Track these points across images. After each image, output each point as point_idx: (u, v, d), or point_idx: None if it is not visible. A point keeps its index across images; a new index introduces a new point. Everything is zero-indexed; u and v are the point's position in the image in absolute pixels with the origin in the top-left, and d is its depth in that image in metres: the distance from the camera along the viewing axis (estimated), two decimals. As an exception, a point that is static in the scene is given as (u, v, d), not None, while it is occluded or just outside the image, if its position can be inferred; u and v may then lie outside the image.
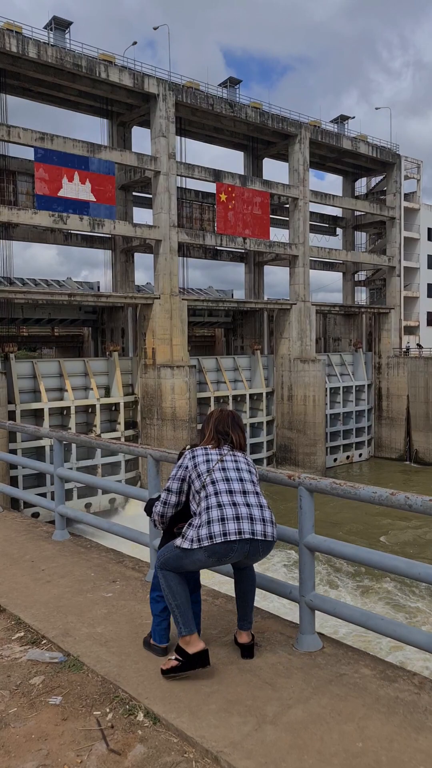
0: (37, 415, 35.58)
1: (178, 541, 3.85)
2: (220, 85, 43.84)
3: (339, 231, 57.92)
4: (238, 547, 3.79)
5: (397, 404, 52.14)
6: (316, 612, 4.26)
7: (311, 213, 48.62)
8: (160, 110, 38.48)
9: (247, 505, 3.84)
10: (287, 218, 47.96)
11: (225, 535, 3.73)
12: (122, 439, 38.50)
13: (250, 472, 4.03)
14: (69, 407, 36.31)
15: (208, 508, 3.81)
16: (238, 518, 3.77)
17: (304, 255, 46.26)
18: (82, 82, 37.28)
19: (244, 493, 3.88)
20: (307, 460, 45.25)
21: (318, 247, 48.93)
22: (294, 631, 4.40)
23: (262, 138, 47.21)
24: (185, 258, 43.61)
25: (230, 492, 3.85)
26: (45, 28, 36.41)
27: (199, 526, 3.78)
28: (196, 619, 4.00)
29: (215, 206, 42.74)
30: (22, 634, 4.48)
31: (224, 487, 3.86)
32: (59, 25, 36.63)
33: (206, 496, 3.85)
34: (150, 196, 40.69)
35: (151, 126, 39.31)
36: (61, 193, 35.48)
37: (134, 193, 44.24)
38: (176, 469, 4.08)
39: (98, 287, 45.06)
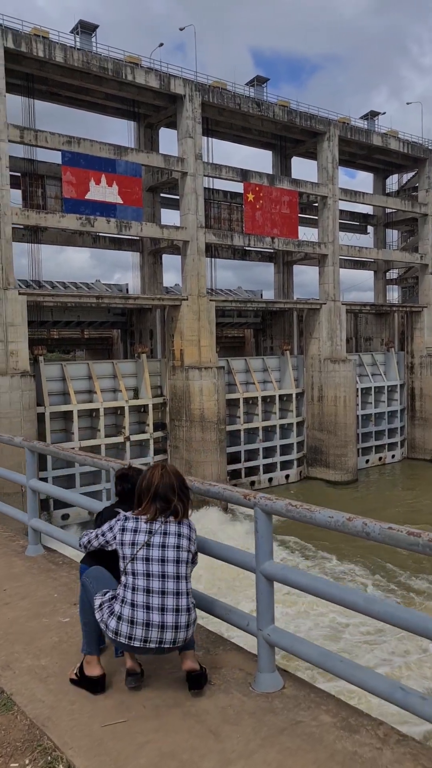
0: (66, 418, 35.67)
1: (97, 602, 3.87)
2: (247, 84, 43.40)
3: (370, 229, 56.92)
4: (140, 651, 3.78)
5: (431, 405, 51.00)
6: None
7: (341, 211, 47.84)
8: (187, 111, 38.26)
9: (162, 610, 3.70)
10: (316, 217, 47.28)
11: (130, 639, 3.70)
12: (151, 441, 38.38)
13: (178, 548, 3.80)
14: (98, 409, 36.23)
15: (123, 601, 3.76)
16: (147, 625, 3.68)
17: (333, 254, 45.52)
18: (108, 85, 37.28)
19: (163, 593, 3.72)
20: (338, 461, 44.53)
21: (348, 246, 48.14)
22: (255, 667, 3.96)
23: (290, 137, 46.63)
24: (213, 259, 43.30)
25: (148, 591, 3.72)
26: (71, 32, 36.49)
27: (111, 614, 3.78)
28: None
29: (243, 206, 42.34)
30: (-39, 666, 4.17)
31: (143, 584, 3.73)
32: (85, 28, 36.67)
33: (125, 586, 3.79)
34: (178, 197, 40.49)
35: (177, 127, 39.12)
36: (88, 196, 35.51)
37: (162, 195, 44.14)
38: (107, 527, 4.04)
39: (127, 289, 45.05)
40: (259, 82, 43.57)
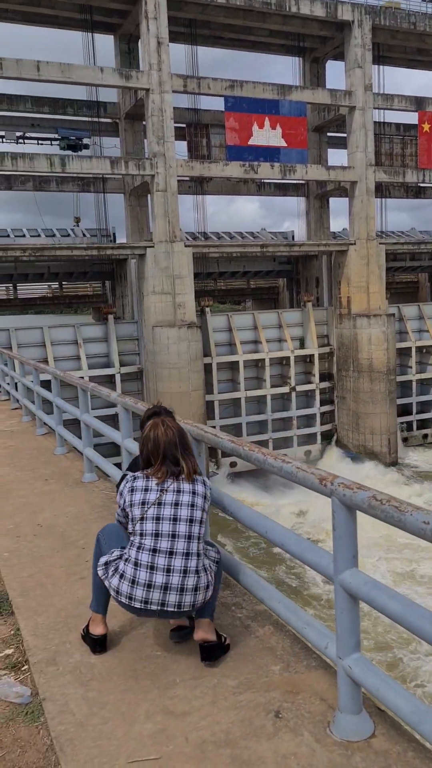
0: (233, 368, 35.84)
1: (103, 561, 3.64)
2: (424, 0, 39.26)
3: None
4: (143, 613, 3.51)
5: None
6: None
7: None
8: (356, 38, 35.52)
9: (168, 570, 3.41)
10: None
11: (130, 599, 3.45)
12: (317, 392, 37.41)
13: (192, 506, 3.53)
14: (264, 359, 35.95)
15: (127, 560, 3.51)
16: (149, 585, 3.40)
17: None
18: (272, 21, 35.55)
19: (171, 553, 3.44)
20: None
21: None
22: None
23: (474, 53, 41.75)
24: (384, 199, 40.50)
25: (154, 551, 3.44)
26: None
27: (115, 572, 3.54)
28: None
29: (417, 139, 38.89)
30: (10, 651, 3.73)
31: (149, 544, 3.46)
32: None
33: (131, 545, 3.54)
34: (345, 135, 38.12)
35: (345, 58, 36.52)
36: (251, 142, 34.56)
37: (328, 134, 41.85)
38: (119, 497, 3.72)
39: (293, 236, 43.75)
40: (437, -5, 39.24)
